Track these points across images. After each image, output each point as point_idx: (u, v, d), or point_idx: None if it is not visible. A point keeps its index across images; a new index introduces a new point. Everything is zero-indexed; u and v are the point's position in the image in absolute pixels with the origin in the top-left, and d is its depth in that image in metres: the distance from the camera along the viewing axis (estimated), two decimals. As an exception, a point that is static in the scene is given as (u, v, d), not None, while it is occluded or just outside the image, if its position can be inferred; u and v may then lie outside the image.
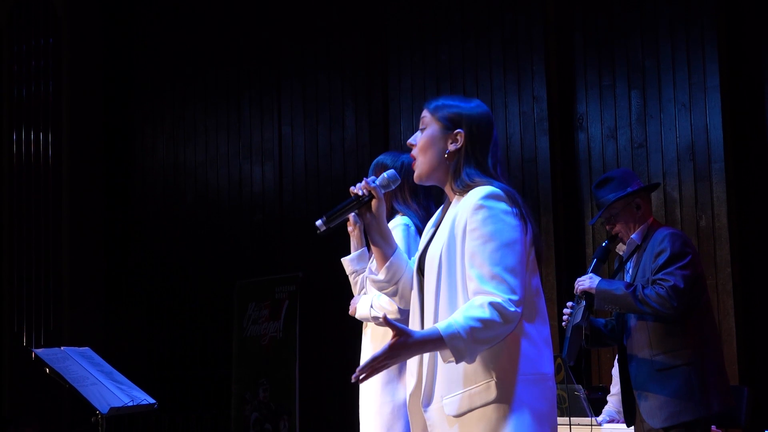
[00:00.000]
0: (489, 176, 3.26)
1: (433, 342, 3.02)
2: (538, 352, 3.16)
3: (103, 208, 10.27)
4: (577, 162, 7.57)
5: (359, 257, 4.57)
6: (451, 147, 3.32)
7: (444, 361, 3.08)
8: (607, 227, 5.24)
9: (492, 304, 3.02)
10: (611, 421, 5.85)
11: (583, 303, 5.00)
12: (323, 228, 3.44)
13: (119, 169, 10.32)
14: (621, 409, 5.90)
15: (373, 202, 3.41)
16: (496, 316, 3.02)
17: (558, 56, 7.69)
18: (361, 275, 4.62)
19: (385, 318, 3.00)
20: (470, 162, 3.29)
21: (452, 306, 3.17)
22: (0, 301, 10.01)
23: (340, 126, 8.89)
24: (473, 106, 3.37)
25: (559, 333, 7.30)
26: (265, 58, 9.39)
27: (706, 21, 7.00)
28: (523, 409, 3.09)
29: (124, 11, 10.42)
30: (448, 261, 3.20)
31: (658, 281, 4.84)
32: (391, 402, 4.30)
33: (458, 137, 3.32)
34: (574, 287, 5.09)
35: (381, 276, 3.43)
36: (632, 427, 5.35)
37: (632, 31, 7.35)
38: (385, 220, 3.44)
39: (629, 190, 5.08)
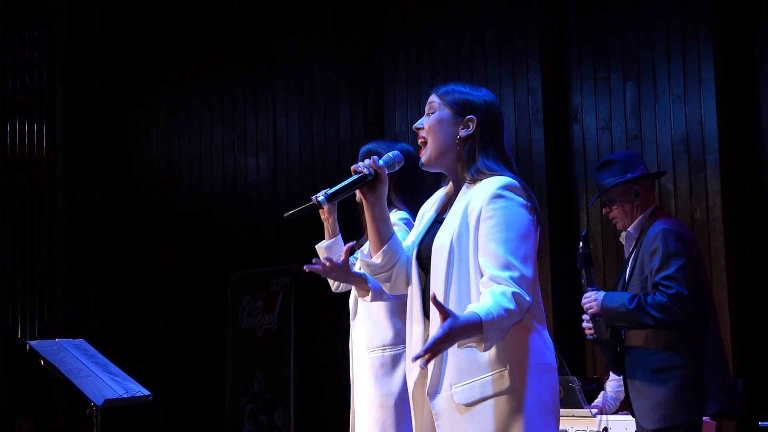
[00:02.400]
0: (506, 167, 3.28)
1: (473, 326, 2.97)
2: (545, 343, 3.19)
3: (98, 200, 10.26)
4: (572, 154, 7.58)
5: (335, 245, 4.57)
6: (463, 132, 3.32)
7: (460, 347, 3.06)
8: (604, 210, 5.14)
9: (514, 294, 3.04)
10: (601, 411, 5.84)
11: (601, 321, 4.91)
12: (325, 205, 3.44)
13: (113, 161, 10.31)
14: (617, 395, 5.91)
15: (377, 182, 3.39)
16: (515, 307, 3.04)
17: (553, 48, 7.69)
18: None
19: (434, 298, 2.97)
20: (486, 151, 3.30)
21: (462, 294, 3.17)
22: (-6, 293, 10.01)
23: (335, 117, 8.88)
24: (483, 94, 3.38)
25: (554, 325, 7.31)
26: (260, 49, 9.38)
27: (701, 12, 7.00)
28: (534, 399, 3.11)
29: (119, 3, 10.40)
30: (459, 249, 3.19)
31: (660, 288, 4.72)
32: (392, 394, 4.28)
33: (470, 123, 3.33)
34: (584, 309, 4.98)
35: (377, 260, 3.38)
36: (617, 416, 5.37)
37: (627, 23, 7.35)
38: (386, 202, 3.43)
39: (629, 176, 4.96)
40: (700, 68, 6.96)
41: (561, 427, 5.66)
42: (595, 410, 5.76)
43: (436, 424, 3.22)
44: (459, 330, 2.95)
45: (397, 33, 8.41)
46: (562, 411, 5.76)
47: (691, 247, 4.85)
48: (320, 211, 4.53)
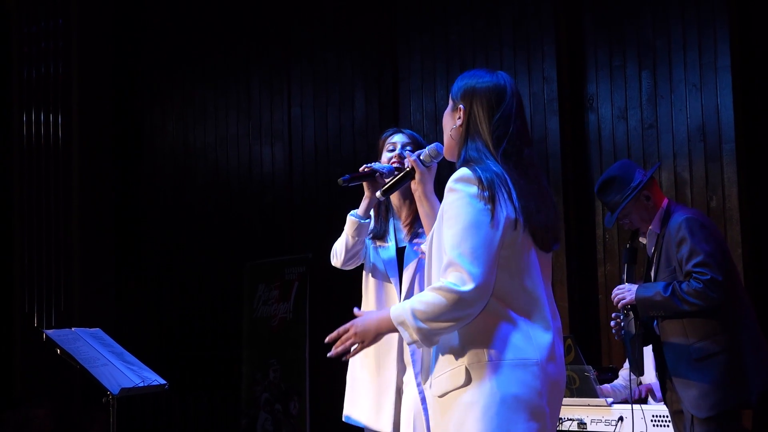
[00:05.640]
0: (488, 154, 3.22)
1: (387, 323, 3.17)
2: (523, 337, 3.13)
3: (113, 189, 10.29)
4: (588, 143, 7.55)
5: (365, 226, 4.53)
6: (457, 123, 3.32)
7: (407, 342, 3.17)
8: (626, 227, 5.24)
9: (436, 288, 3.08)
10: (610, 396, 5.86)
11: (632, 316, 4.97)
12: (381, 198, 4.00)
13: (129, 150, 10.33)
14: (627, 384, 5.94)
15: (416, 176, 3.65)
16: (439, 299, 3.05)
17: (568, 36, 7.66)
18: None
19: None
20: (472, 138, 3.27)
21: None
22: (11, 283, 10.04)
23: (350, 107, 8.88)
24: (483, 80, 3.31)
25: (569, 315, 7.30)
26: (275, 38, 9.38)
27: (717, 1, 6.97)
28: (494, 395, 3.08)
29: (134, -8, 10.42)
30: (437, 242, 3.21)
31: (693, 275, 4.79)
32: None
33: (460, 113, 3.31)
34: (613, 300, 5.06)
35: (424, 247, 3.51)
36: (613, 406, 5.39)
37: (643, 11, 7.32)
38: (431, 193, 3.59)
39: (633, 185, 5.03)
40: (717, 56, 6.92)
41: (576, 417, 5.67)
42: (610, 399, 5.76)
43: (429, 414, 3.32)
44: (368, 325, 3.22)
45: (412, 22, 8.39)
46: (577, 400, 5.77)
47: (716, 234, 4.94)
48: (369, 187, 4.49)
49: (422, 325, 3.08)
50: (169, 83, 10.15)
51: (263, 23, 9.44)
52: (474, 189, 3.12)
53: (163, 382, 5.79)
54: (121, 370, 5.67)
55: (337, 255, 4.59)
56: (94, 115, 10.16)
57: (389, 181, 3.77)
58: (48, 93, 10.06)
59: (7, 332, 9.98)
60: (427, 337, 3.11)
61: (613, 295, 5.06)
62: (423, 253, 3.58)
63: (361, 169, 4.37)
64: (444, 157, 3.49)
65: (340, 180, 4.25)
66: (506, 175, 3.17)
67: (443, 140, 3.41)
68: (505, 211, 3.12)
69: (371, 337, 3.22)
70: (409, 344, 3.21)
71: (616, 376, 6.30)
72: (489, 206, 3.10)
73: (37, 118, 10.06)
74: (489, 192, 3.11)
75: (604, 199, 5.16)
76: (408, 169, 3.66)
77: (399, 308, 3.14)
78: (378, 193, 3.76)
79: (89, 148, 10.07)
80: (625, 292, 4.98)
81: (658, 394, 5.66)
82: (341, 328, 3.28)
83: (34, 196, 10.01)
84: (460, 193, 3.13)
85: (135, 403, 9.40)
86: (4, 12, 10.25)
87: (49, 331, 5.78)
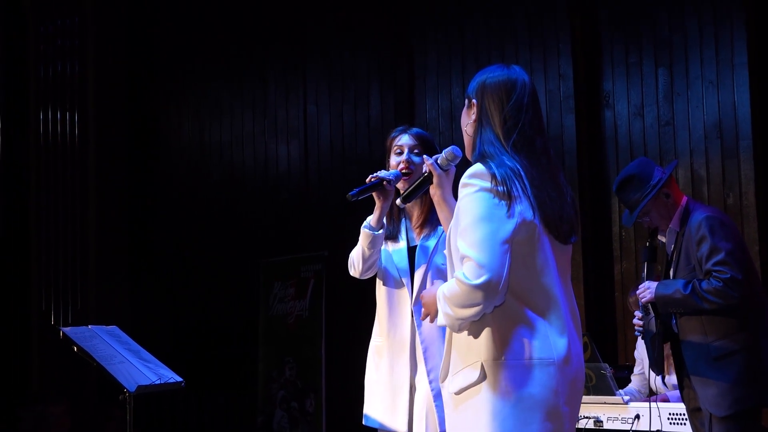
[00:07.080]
0: (501, 147, 3.21)
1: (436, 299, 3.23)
2: (540, 338, 3.12)
3: (129, 187, 10.30)
4: (604, 140, 7.54)
5: (380, 238, 4.50)
6: (471, 118, 3.32)
7: (438, 324, 3.25)
8: (645, 226, 5.22)
9: (455, 276, 3.10)
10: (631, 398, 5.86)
11: (652, 315, 4.98)
12: (402, 206, 4.01)
13: (145, 148, 10.35)
14: (642, 389, 5.96)
15: (434, 180, 3.61)
16: (456, 288, 3.07)
17: (584, 33, 7.65)
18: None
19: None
20: (483, 130, 3.26)
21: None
22: (28, 281, 10.07)
23: (366, 104, 8.88)
24: (494, 74, 3.30)
25: (585, 312, 7.29)
26: (291, 36, 9.38)
27: (734, -3, 6.95)
28: (509, 394, 3.08)
29: (149, -10, 10.43)
30: (454, 238, 3.20)
31: (713, 274, 4.79)
32: None
33: (474, 108, 3.31)
34: (637, 299, 5.09)
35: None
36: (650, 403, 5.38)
37: (658, 7, 7.30)
38: (449, 196, 3.59)
39: (652, 183, 5.02)
40: (733, 53, 6.90)
41: (593, 414, 5.66)
42: (627, 397, 5.75)
43: (445, 411, 3.29)
44: (430, 298, 3.30)
45: (427, 20, 8.39)
46: (594, 398, 5.76)
47: (735, 232, 4.94)
48: (379, 196, 4.45)
49: (448, 309, 3.12)
50: (184, 81, 10.17)
51: (279, 21, 9.45)
52: (486, 183, 3.12)
53: (179, 379, 5.79)
54: (138, 368, 5.68)
55: (355, 266, 4.56)
56: (110, 113, 10.18)
57: (409, 188, 3.77)
58: (64, 91, 10.08)
59: (24, 330, 10.01)
60: (452, 323, 3.15)
61: (637, 293, 5.07)
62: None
63: (367, 179, 4.34)
64: (461, 159, 3.50)
65: (348, 195, 4.22)
66: (520, 168, 3.16)
67: (463, 139, 3.40)
68: (520, 206, 3.12)
69: (434, 310, 3.26)
70: (439, 325, 3.23)
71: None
72: (504, 201, 3.10)
73: (54, 117, 10.08)
74: (504, 187, 3.10)
75: (624, 197, 5.14)
76: (426, 174, 3.65)
77: (441, 288, 3.17)
78: (398, 201, 3.79)
79: (105, 146, 10.09)
80: (646, 290, 4.99)
81: (673, 399, 5.67)
82: (421, 294, 3.41)
83: (51, 195, 10.03)
84: (474, 187, 3.13)
85: (151, 401, 9.41)
86: (21, 11, 10.27)
87: (66, 329, 5.79)
